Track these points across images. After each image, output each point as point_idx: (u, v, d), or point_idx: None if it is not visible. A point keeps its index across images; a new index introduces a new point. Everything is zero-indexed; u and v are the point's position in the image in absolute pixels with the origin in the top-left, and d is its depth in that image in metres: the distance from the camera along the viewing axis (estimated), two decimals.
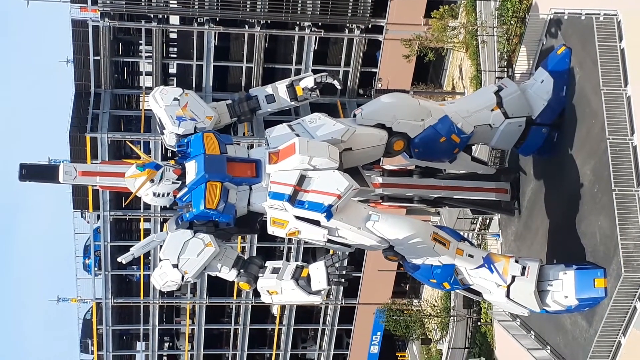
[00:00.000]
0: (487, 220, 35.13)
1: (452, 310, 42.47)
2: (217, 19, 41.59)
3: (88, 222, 45.92)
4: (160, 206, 27.22)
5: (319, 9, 41.27)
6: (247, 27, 41.98)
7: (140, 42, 45.96)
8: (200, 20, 41.71)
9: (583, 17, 24.54)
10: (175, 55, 47.91)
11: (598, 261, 22.83)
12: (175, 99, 23.73)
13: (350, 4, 41.13)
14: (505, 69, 32.37)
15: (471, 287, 23.73)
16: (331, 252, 22.46)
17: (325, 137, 22.47)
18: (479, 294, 24.16)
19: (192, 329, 50.66)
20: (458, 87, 41.02)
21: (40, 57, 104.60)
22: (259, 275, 22.36)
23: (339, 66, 43.90)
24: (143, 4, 40.53)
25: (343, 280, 21.25)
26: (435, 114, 24.49)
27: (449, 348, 42.80)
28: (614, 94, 23.06)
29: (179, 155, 23.49)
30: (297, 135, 22.45)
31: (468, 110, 25.20)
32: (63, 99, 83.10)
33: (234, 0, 40.64)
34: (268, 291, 22.14)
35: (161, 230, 26.45)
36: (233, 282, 23.13)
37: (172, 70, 48.98)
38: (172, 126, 23.45)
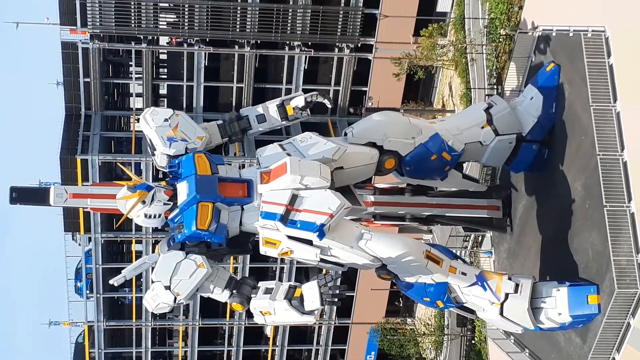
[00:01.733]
0: (480, 238, 35.12)
1: (446, 328, 42.35)
2: (207, 40, 41.66)
3: (79, 244, 45.66)
4: (152, 227, 27.07)
5: (308, 29, 41.38)
6: (237, 47, 42.05)
7: (130, 63, 45.96)
8: (190, 41, 41.78)
9: (571, 34, 24.69)
10: (165, 76, 47.94)
11: (591, 277, 22.81)
12: (165, 119, 23.74)
13: (340, 23, 41.27)
14: (495, 86, 32.49)
15: (465, 305, 23.68)
16: (324, 271, 22.42)
17: (317, 156, 22.49)
18: (472, 312, 24.11)
19: (185, 351, 50.32)
20: (448, 105, 41.13)
21: (30, 80, 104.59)
22: (252, 295, 22.27)
23: (329, 85, 43.96)
24: (133, 25, 40.56)
25: (336, 299, 21.19)
26: (426, 132, 24.54)
27: None
28: (604, 109, 23.15)
29: (170, 176, 23.45)
30: (289, 154, 22.46)
31: (458, 128, 25.26)
32: (53, 121, 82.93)
33: (223, 21, 40.74)
34: (261, 312, 22.05)
35: (153, 251, 26.32)
36: (226, 303, 23.03)
37: (163, 91, 48.97)
38: (163, 147, 23.44)
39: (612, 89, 23.34)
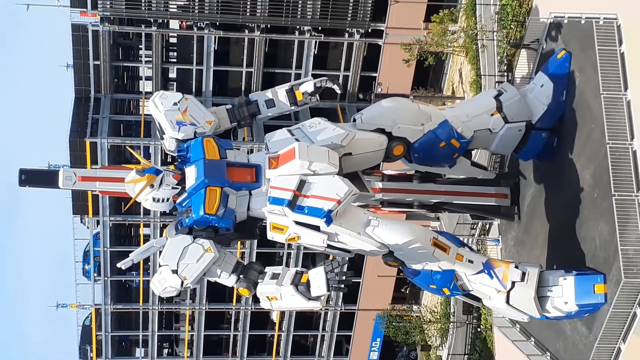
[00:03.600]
0: (487, 226, 35.08)
1: (451, 316, 42.39)
2: (217, 24, 41.61)
3: (87, 227, 45.86)
4: (160, 211, 27.06)
5: (318, 13, 41.29)
6: (247, 31, 41.99)
7: (140, 46, 45.98)
8: (200, 24, 41.72)
9: (583, 21, 24.53)
10: (175, 60, 47.93)
11: (598, 267, 22.76)
12: (175, 103, 23.70)
13: (350, 8, 41.16)
14: (505, 73, 32.35)
15: (471, 292, 23.65)
16: (331, 257, 22.42)
17: (325, 141, 22.44)
18: (478, 299, 24.08)
19: (192, 335, 50.58)
20: (458, 92, 41.00)
21: (40, 62, 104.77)
22: (259, 280, 22.30)
23: (338, 70, 43.90)
24: (143, 8, 40.53)
25: (343, 285, 21.19)
26: (435, 119, 24.46)
27: (448, 354, 42.72)
28: (614, 98, 23.03)
29: (179, 160, 23.46)
30: (297, 140, 22.43)
31: (468, 115, 25.17)
32: (63, 103, 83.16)
33: (233, 5, 40.66)
34: (267, 297, 22.08)
35: (161, 235, 26.39)
36: (232, 288, 23.08)
37: (172, 74, 49.00)
38: (172, 131, 23.42)
39: (623, 77, 23.18)
